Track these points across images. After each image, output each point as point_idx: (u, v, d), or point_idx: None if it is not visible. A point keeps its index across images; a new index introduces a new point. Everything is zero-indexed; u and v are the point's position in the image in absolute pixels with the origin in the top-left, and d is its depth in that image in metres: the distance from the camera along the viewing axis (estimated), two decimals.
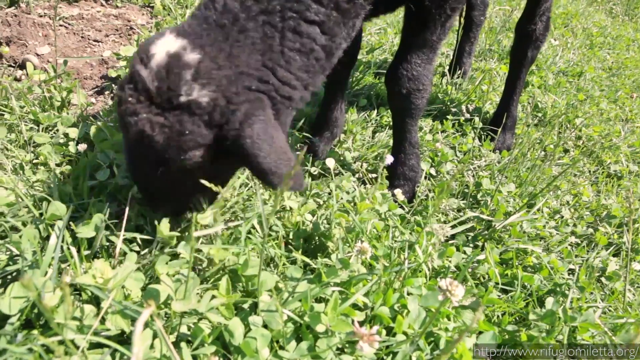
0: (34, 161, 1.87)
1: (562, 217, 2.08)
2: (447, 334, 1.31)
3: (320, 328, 1.19)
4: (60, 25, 2.80)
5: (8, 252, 1.36)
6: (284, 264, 1.52)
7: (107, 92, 2.46)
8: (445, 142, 2.41)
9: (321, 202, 1.82)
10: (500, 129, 2.42)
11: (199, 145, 1.23)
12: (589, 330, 1.40)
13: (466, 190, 2.11)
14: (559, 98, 2.92)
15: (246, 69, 1.28)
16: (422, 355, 1.23)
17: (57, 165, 1.87)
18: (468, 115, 2.47)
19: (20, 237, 1.32)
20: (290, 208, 1.71)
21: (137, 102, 1.18)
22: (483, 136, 2.51)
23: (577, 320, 1.37)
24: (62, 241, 1.26)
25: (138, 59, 1.22)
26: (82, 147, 1.79)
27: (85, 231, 1.31)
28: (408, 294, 1.42)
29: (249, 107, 1.23)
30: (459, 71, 2.98)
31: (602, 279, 1.79)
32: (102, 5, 3.20)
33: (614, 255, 1.91)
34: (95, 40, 2.82)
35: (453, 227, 1.85)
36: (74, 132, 1.97)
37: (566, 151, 2.60)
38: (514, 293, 1.58)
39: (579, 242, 1.98)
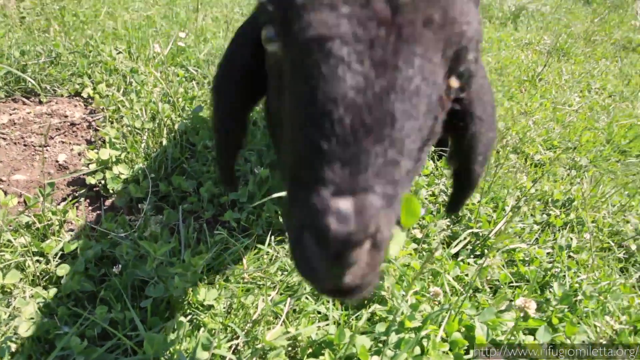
0: (59, 295, 1.81)
1: (521, 209, 2.56)
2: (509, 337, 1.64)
3: None
4: None
5: None
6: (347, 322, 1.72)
7: (83, 200, 2.38)
8: None
9: None
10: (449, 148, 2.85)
11: None
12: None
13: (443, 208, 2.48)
14: None
15: None
16: None
17: (90, 292, 1.84)
18: None
19: None
20: None
21: None
22: (435, 157, 2.92)
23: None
24: None
25: None
26: (117, 269, 1.79)
27: None
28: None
29: None
30: None
31: (571, 254, 2.27)
32: (24, 103, 3.02)
33: (571, 232, 2.42)
34: (40, 146, 2.68)
35: (448, 245, 2.20)
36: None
37: (497, 152, 3.13)
38: (528, 286, 1.97)
39: (542, 228, 2.46)
